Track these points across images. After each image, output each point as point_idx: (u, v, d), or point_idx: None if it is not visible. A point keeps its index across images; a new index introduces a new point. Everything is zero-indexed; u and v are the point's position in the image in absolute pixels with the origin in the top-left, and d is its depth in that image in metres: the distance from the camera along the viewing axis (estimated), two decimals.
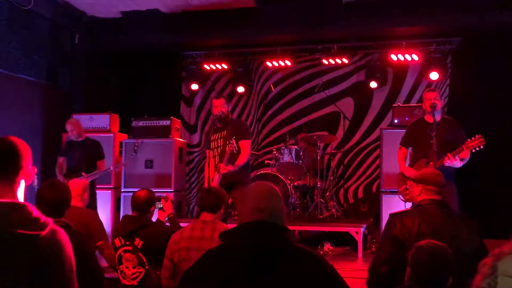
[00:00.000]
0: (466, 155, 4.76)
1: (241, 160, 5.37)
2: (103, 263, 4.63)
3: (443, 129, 4.92)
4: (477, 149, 4.64)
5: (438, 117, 4.96)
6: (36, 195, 3.05)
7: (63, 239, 1.74)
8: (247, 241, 2.03)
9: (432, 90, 5.27)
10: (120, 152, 7.75)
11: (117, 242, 3.88)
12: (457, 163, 4.76)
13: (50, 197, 3.02)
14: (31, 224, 1.67)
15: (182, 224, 4.57)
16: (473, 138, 4.65)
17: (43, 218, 1.71)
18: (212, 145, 5.53)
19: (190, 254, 3.35)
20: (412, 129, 5.29)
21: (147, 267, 3.77)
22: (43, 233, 1.67)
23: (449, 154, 4.69)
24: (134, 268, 3.80)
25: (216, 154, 5.50)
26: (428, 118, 5.10)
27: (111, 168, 6.75)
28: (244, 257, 2.00)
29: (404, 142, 5.36)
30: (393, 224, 3.16)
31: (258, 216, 2.11)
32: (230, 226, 2.95)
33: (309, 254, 2.06)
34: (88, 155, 6.51)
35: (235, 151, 5.19)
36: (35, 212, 1.70)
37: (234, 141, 5.16)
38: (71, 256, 1.76)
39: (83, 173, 6.19)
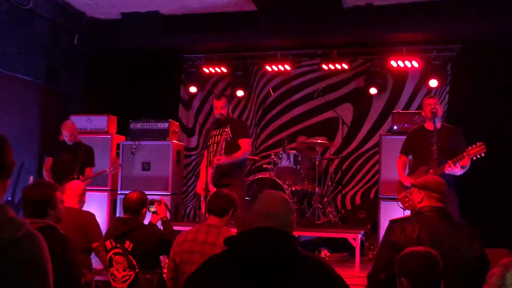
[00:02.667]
0: (467, 162, 4.73)
1: (238, 155, 5.27)
2: (99, 265, 4.60)
3: (443, 136, 4.89)
4: (478, 156, 4.62)
5: (438, 124, 4.94)
6: (22, 195, 3.03)
7: (39, 242, 1.65)
8: (254, 248, 1.98)
9: (432, 97, 5.27)
10: (117, 154, 7.70)
11: (108, 244, 3.84)
12: (458, 171, 4.74)
13: (33, 197, 2.97)
14: (5, 226, 1.59)
15: (177, 228, 4.51)
16: (474, 145, 4.62)
17: (19, 219, 1.63)
18: (211, 140, 5.44)
19: (192, 257, 3.32)
20: (412, 137, 5.26)
21: (137, 270, 3.73)
22: (17, 235, 1.58)
23: (449, 162, 4.67)
24: (124, 271, 3.76)
25: (212, 150, 5.41)
26: (428, 126, 5.08)
27: (108, 170, 6.68)
28: (251, 264, 1.95)
29: (404, 150, 5.34)
30: (393, 230, 3.13)
31: (266, 222, 2.07)
32: (234, 231, 2.89)
33: (317, 262, 2.03)
34: (80, 160, 6.25)
35: (229, 139, 5.09)
36: (11, 212, 1.62)
37: (228, 129, 5.07)
38: (46, 260, 1.66)
39: (80, 177, 6.10)
